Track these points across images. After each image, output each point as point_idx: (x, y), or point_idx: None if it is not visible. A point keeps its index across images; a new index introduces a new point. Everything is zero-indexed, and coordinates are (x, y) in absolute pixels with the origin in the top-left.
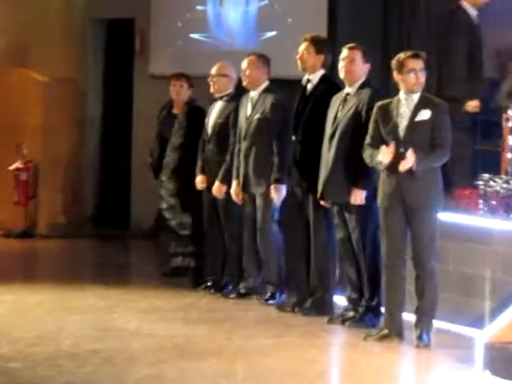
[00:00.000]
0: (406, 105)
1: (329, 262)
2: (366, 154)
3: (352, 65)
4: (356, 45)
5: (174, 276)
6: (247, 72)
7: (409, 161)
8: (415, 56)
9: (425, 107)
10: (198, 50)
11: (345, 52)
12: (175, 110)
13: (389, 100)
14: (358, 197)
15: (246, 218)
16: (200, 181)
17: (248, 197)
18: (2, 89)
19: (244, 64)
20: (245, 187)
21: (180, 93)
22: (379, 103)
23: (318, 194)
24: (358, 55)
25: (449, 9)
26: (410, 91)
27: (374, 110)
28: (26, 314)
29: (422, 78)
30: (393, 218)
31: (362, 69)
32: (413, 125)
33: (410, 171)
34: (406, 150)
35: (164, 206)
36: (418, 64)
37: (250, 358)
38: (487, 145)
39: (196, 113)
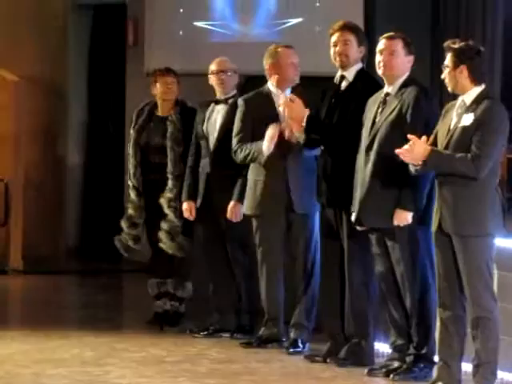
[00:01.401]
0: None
1: (368, 302)
2: None
3: (392, 58)
4: (397, 33)
5: (162, 324)
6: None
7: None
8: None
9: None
10: (204, 42)
11: (383, 42)
12: (161, 113)
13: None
14: (403, 218)
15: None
16: (188, 208)
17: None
18: None
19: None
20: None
21: (173, 92)
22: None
23: (353, 218)
24: (399, 46)
25: None
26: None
27: None
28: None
29: (449, 73)
30: (441, 247)
31: (405, 62)
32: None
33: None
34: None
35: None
36: (446, 59)
37: None
38: None
39: (191, 115)
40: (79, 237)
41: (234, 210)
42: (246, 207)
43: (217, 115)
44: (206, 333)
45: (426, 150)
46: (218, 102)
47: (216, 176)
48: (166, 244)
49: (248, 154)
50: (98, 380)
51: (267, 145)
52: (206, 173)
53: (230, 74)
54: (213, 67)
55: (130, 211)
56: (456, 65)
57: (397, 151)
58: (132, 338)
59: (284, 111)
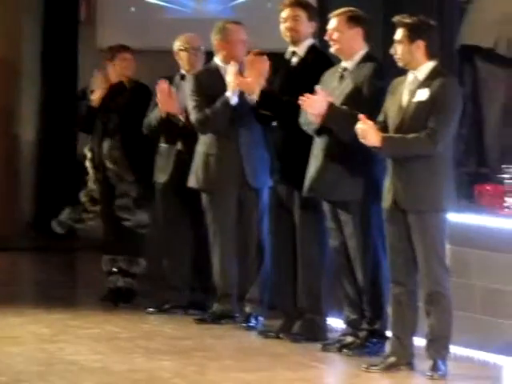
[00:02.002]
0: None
1: (321, 277)
2: None
3: (346, 36)
4: (342, 11)
5: (116, 301)
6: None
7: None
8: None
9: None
10: (157, 18)
11: (332, 22)
12: (99, 90)
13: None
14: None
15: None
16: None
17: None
18: None
19: None
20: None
21: (132, 68)
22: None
23: (306, 190)
24: (341, 22)
25: None
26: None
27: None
28: None
29: (401, 48)
30: (394, 223)
31: (359, 39)
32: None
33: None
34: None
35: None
36: (397, 34)
37: None
38: None
39: (146, 92)
40: (34, 214)
41: None
42: (198, 181)
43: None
44: (159, 309)
45: (378, 135)
46: (185, 78)
47: (186, 153)
48: (126, 220)
49: (214, 110)
50: (53, 357)
51: (231, 85)
52: (176, 150)
53: (195, 50)
54: (183, 44)
55: (90, 185)
56: (412, 40)
57: (357, 127)
58: (86, 314)
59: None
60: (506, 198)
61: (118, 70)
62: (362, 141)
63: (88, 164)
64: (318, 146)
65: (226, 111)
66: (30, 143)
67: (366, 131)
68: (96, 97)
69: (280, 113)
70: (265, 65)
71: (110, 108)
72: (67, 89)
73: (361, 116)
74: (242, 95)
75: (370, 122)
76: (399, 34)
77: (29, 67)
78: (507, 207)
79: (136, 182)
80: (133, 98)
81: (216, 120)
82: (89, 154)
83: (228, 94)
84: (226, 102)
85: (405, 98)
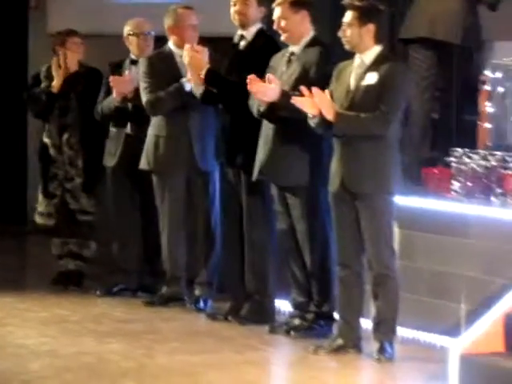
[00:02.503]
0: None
1: (268, 260)
2: None
3: (292, 22)
4: None
5: (67, 283)
6: None
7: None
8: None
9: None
10: (107, 3)
11: (276, 10)
12: (59, 76)
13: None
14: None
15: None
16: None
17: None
18: None
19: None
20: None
21: (82, 52)
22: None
23: (255, 174)
24: (285, 9)
25: None
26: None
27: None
28: None
29: (351, 31)
30: (341, 206)
31: (305, 23)
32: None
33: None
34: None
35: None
36: (347, 16)
37: (174, 380)
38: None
39: (99, 77)
40: None
41: None
42: (148, 163)
43: (136, 76)
44: (109, 292)
45: (332, 108)
46: (135, 63)
47: (135, 136)
48: (72, 204)
49: (167, 94)
50: (2, 341)
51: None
52: (124, 133)
53: (150, 35)
54: (133, 29)
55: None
56: (363, 23)
57: (296, 100)
58: (35, 298)
59: (185, 59)
60: (453, 181)
61: (69, 55)
62: (312, 116)
63: (52, 151)
64: (267, 130)
65: (178, 96)
66: None
67: (322, 102)
68: (57, 83)
69: (226, 93)
70: (205, 55)
71: (69, 95)
72: (17, 75)
73: (305, 89)
74: None
75: (326, 94)
76: (349, 16)
77: None
78: (454, 190)
79: (84, 168)
80: (87, 83)
81: (167, 103)
82: (49, 141)
83: (184, 79)
84: (181, 87)
85: (352, 82)
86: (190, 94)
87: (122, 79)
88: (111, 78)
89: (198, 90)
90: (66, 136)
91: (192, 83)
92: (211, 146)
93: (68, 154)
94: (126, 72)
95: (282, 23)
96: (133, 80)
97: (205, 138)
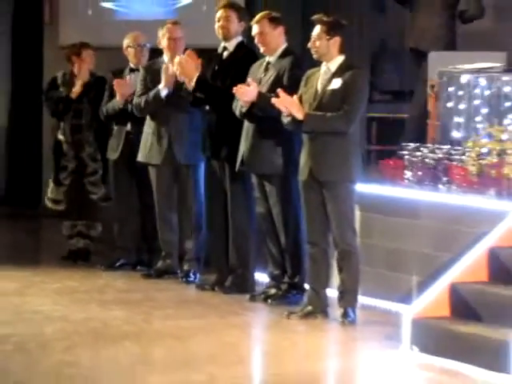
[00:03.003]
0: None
1: (248, 238)
2: None
3: (263, 37)
4: (262, 15)
5: (76, 258)
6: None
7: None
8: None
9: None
10: (110, 20)
11: (254, 27)
12: (79, 83)
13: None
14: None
15: (168, 194)
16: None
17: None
18: None
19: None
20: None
21: (92, 63)
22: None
23: (238, 165)
24: (265, 25)
25: None
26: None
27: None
28: None
29: (320, 43)
30: (310, 193)
31: (281, 36)
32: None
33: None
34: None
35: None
36: (315, 30)
37: (168, 342)
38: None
39: (104, 83)
40: (5, 188)
41: None
42: (142, 156)
43: (135, 82)
44: (112, 267)
45: (300, 108)
46: (133, 71)
47: (134, 133)
48: (95, 194)
49: (148, 98)
50: (20, 308)
51: (164, 80)
52: (125, 131)
53: (145, 47)
54: (128, 41)
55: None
56: (330, 36)
57: (274, 101)
58: (49, 271)
59: (177, 69)
60: (405, 171)
61: (84, 64)
62: (285, 115)
63: (65, 147)
64: (248, 128)
65: (155, 100)
66: (1, 126)
67: (292, 104)
68: (76, 90)
69: (212, 97)
70: (198, 61)
71: (83, 99)
72: (34, 82)
73: (280, 91)
74: (175, 87)
75: (295, 97)
76: (318, 30)
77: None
78: (406, 179)
79: (102, 161)
80: (97, 89)
81: (147, 106)
82: (63, 138)
83: (160, 86)
84: (158, 93)
85: (319, 87)
86: (168, 98)
87: (124, 82)
88: (115, 81)
89: (190, 87)
90: (80, 135)
91: (166, 88)
92: (192, 142)
93: (88, 151)
94: (127, 77)
95: (262, 38)
96: (132, 85)
97: (184, 135)
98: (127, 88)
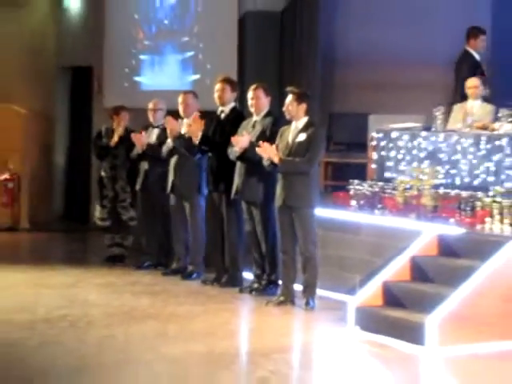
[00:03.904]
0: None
1: (239, 248)
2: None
3: (258, 101)
4: (258, 85)
5: (114, 261)
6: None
7: (268, 154)
8: (289, 94)
9: (303, 131)
10: (141, 90)
11: (251, 92)
12: (117, 135)
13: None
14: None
15: (179, 216)
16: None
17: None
18: None
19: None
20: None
21: (127, 121)
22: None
23: (233, 195)
24: (261, 93)
25: None
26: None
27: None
28: (9, 289)
29: (291, 108)
30: (283, 215)
31: (265, 102)
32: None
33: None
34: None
35: (120, 206)
36: (288, 98)
37: (180, 321)
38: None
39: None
40: (63, 209)
41: None
42: (165, 187)
43: (153, 135)
44: (140, 267)
45: (277, 155)
46: (153, 127)
47: (150, 171)
48: (125, 215)
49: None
50: (74, 296)
51: (170, 135)
52: (144, 169)
53: (161, 110)
54: (150, 105)
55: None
56: (299, 103)
57: (259, 149)
58: (94, 270)
59: (185, 128)
60: (351, 200)
61: (121, 121)
62: (266, 160)
63: (105, 180)
64: (240, 168)
65: (167, 149)
66: (61, 166)
67: (270, 152)
68: (114, 141)
69: (213, 147)
70: (202, 123)
71: (119, 147)
72: (85, 133)
73: (262, 143)
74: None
75: (273, 147)
76: (290, 98)
77: (62, 119)
78: (352, 206)
79: (130, 192)
80: (129, 140)
81: (163, 153)
82: (104, 174)
83: (168, 140)
84: (168, 145)
85: (290, 139)
86: (175, 147)
87: (140, 136)
88: (132, 135)
89: (196, 141)
90: (116, 172)
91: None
92: (193, 180)
93: (120, 184)
94: (143, 132)
95: (256, 102)
96: (146, 137)
97: (185, 175)
98: (142, 139)
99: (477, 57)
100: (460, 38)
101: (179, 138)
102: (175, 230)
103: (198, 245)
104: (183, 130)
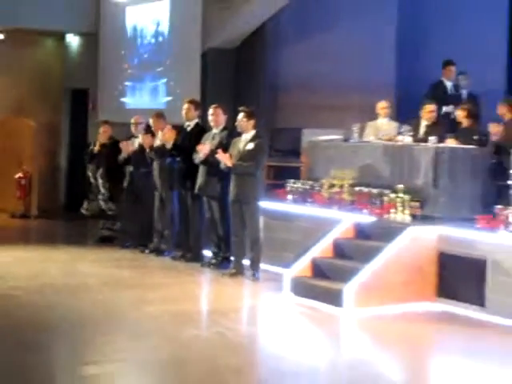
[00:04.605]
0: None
1: (200, 232)
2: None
3: (217, 117)
4: (217, 105)
5: (104, 241)
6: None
7: (224, 159)
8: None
9: (251, 141)
10: (126, 108)
11: (211, 110)
12: (98, 144)
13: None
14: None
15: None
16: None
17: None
18: (9, 130)
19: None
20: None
21: (110, 132)
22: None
23: (196, 191)
24: (220, 112)
25: None
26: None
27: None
28: (24, 262)
29: (242, 123)
30: (235, 207)
31: (222, 118)
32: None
33: (229, 168)
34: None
35: (101, 198)
36: (239, 116)
37: (155, 289)
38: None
39: (117, 143)
40: (65, 201)
41: None
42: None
43: (135, 143)
44: (124, 247)
45: (230, 161)
46: (134, 137)
47: (134, 173)
48: (104, 206)
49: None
50: (73, 269)
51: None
52: (129, 171)
53: (142, 124)
54: (133, 120)
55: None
56: (248, 119)
57: (217, 155)
58: (89, 249)
59: (161, 137)
60: (288, 195)
61: (104, 133)
62: (222, 164)
63: (91, 179)
64: (202, 169)
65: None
66: (64, 167)
67: (226, 158)
68: (97, 148)
69: (182, 153)
70: (174, 133)
71: (103, 152)
72: (82, 141)
73: (220, 151)
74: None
75: (228, 154)
76: (241, 115)
77: (64, 131)
78: (289, 199)
79: (108, 188)
80: (112, 147)
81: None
82: (90, 174)
83: (147, 150)
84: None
85: (241, 147)
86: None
87: (126, 144)
88: (121, 143)
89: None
90: (99, 173)
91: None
92: (168, 180)
93: (101, 182)
94: (129, 141)
95: (215, 118)
96: (130, 145)
97: (164, 175)
98: (128, 147)
99: (448, 85)
100: (368, 71)
101: (153, 149)
102: (155, 218)
103: (171, 230)
104: (158, 141)
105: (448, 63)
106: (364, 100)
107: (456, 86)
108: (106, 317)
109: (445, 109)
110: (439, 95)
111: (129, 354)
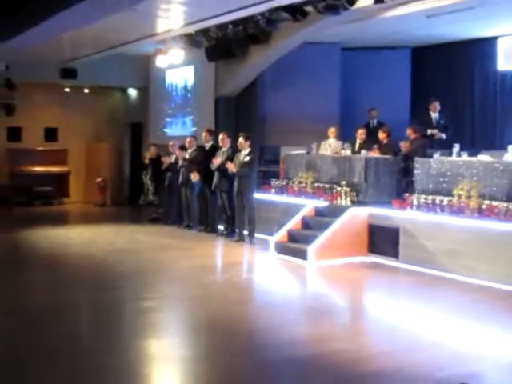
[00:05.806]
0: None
1: (215, 213)
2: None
3: (225, 140)
4: (225, 132)
5: (154, 221)
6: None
7: (230, 167)
8: (240, 137)
9: (248, 155)
10: (166, 135)
11: (221, 135)
12: (147, 158)
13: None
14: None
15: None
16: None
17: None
18: (92, 151)
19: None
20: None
21: (155, 151)
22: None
23: (213, 187)
24: (226, 136)
25: None
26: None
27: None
28: (101, 235)
29: (241, 143)
30: (238, 197)
31: (228, 141)
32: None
33: (234, 172)
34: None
35: (150, 193)
36: (240, 139)
37: (187, 251)
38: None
39: (159, 158)
40: (128, 196)
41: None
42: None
43: (172, 158)
44: (166, 224)
45: (234, 168)
46: (171, 154)
47: (171, 175)
48: (151, 198)
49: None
50: (130, 238)
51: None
52: (168, 175)
53: (175, 145)
54: (170, 143)
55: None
56: (245, 141)
57: (226, 165)
58: (144, 225)
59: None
60: (272, 189)
61: (151, 151)
62: (230, 170)
63: (144, 181)
64: (217, 174)
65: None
66: (127, 175)
67: (231, 166)
68: (146, 161)
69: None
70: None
71: (151, 164)
72: (138, 157)
73: (228, 161)
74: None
75: (233, 164)
76: (241, 138)
77: (127, 151)
78: (272, 191)
79: (154, 187)
80: (156, 160)
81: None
82: (144, 177)
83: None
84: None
85: (241, 159)
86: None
87: (166, 158)
88: (162, 158)
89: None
90: (148, 176)
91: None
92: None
93: (149, 182)
94: (167, 157)
95: (223, 140)
96: (168, 159)
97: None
98: (167, 160)
99: (432, 115)
100: (321, 109)
101: (185, 160)
102: (185, 205)
103: (195, 212)
104: (187, 155)
105: (433, 100)
106: (319, 127)
107: (440, 114)
108: (155, 268)
109: (429, 131)
110: (426, 121)
111: (169, 292)
